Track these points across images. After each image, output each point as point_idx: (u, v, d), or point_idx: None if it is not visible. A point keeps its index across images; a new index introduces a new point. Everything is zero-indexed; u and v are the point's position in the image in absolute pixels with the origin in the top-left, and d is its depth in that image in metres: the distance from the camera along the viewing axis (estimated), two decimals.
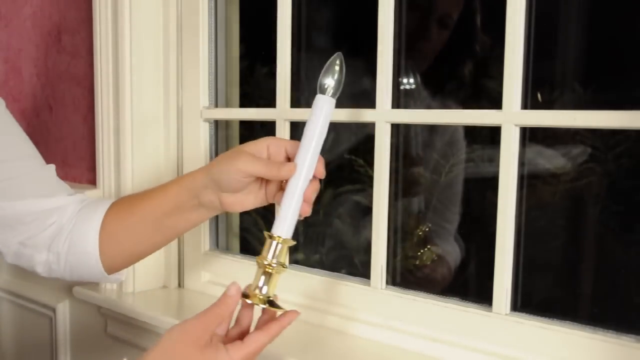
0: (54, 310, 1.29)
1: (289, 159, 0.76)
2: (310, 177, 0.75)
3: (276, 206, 0.80)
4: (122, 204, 0.87)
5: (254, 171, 0.75)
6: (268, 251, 0.75)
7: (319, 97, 0.74)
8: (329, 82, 0.73)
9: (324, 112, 0.74)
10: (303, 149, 0.74)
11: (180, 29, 1.15)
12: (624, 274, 0.87)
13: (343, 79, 0.74)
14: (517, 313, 0.84)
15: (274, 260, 0.75)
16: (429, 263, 1.07)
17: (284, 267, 0.76)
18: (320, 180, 0.77)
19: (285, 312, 0.75)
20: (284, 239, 0.75)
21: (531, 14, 0.81)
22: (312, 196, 0.75)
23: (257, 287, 0.76)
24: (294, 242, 0.77)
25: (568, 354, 0.78)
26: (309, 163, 0.74)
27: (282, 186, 0.76)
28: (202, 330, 0.71)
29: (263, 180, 0.78)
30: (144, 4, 1.13)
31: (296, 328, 1.00)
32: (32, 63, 1.37)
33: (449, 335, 0.88)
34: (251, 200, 0.79)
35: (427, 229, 1.08)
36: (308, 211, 0.75)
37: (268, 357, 0.91)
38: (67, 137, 1.31)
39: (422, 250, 1.07)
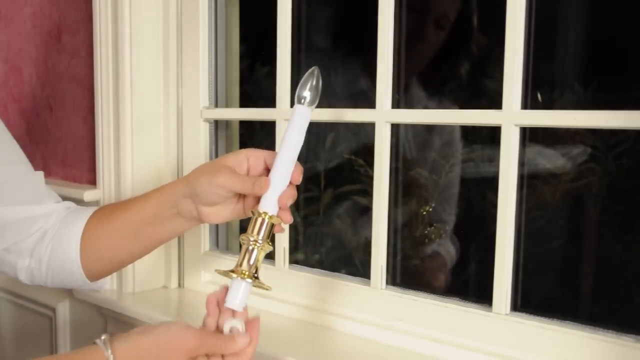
0: (54, 310, 1.29)
1: (268, 170, 0.77)
2: (286, 185, 0.75)
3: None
4: (104, 211, 0.87)
5: (232, 187, 0.76)
6: (253, 228, 0.75)
7: (296, 107, 0.76)
8: (306, 93, 0.76)
9: (300, 121, 0.76)
10: (279, 159, 0.76)
11: (180, 29, 1.15)
12: (624, 274, 0.87)
13: (320, 90, 0.76)
14: (517, 313, 0.84)
15: (260, 237, 0.75)
16: (438, 240, 1.07)
17: (269, 244, 0.76)
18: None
19: (251, 328, 0.75)
20: (270, 215, 0.75)
21: (531, 14, 0.81)
22: (288, 202, 0.75)
23: (241, 263, 0.76)
24: (280, 220, 0.77)
25: (568, 354, 0.78)
26: (284, 173, 0.75)
27: (259, 200, 0.77)
28: (198, 346, 0.71)
29: (241, 194, 0.79)
30: (144, 3, 1.13)
31: (296, 328, 1.00)
32: (32, 63, 1.37)
33: (449, 335, 0.88)
34: (229, 212, 0.80)
35: (430, 209, 1.08)
36: (288, 219, 0.76)
37: (268, 357, 0.91)
38: (67, 137, 1.30)
39: (429, 229, 1.08)
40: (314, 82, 0.76)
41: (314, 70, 0.76)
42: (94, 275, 0.88)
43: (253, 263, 0.75)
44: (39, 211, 0.87)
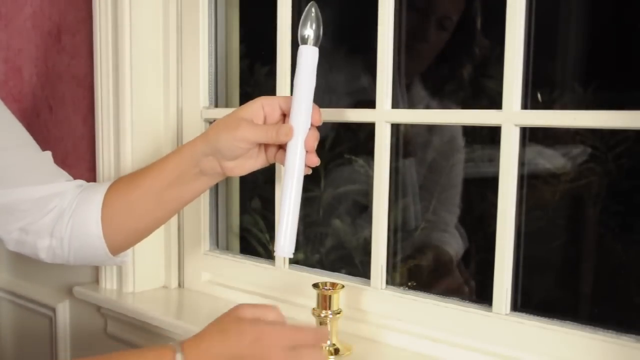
0: (54, 310, 1.29)
1: (284, 115, 0.77)
2: (308, 127, 0.75)
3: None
4: (122, 182, 0.87)
5: (255, 139, 0.76)
6: (320, 303, 0.87)
7: (302, 48, 0.75)
8: (309, 32, 0.74)
9: (309, 62, 0.75)
10: (296, 104, 0.75)
11: (180, 29, 1.15)
12: (624, 274, 0.87)
13: (322, 27, 0.74)
14: (517, 313, 0.84)
15: (329, 312, 0.86)
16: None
17: (338, 313, 0.87)
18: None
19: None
20: (333, 289, 0.86)
21: (531, 14, 0.81)
22: (314, 144, 0.75)
23: None
24: (343, 286, 0.87)
25: (568, 354, 0.78)
26: (304, 116, 0.75)
27: (282, 146, 0.77)
28: (254, 311, 0.70)
29: (262, 144, 0.79)
30: (144, 4, 1.13)
31: None
32: (32, 63, 1.37)
33: (449, 335, 0.88)
34: (252, 163, 0.80)
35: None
36: (315, 161, 0.76)
37: None
38: (67, 137, 1.30)
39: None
40: (315, 18, 0.74)
41: (312, 6, 0.74)
42: (118, 248, 0.88)
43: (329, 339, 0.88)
44: (51, 190, 0.87)
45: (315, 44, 0.75)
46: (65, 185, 0.88)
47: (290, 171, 0.75)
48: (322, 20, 0.74)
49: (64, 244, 0.86)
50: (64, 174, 0.91)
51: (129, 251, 0.92)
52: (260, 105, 0.78)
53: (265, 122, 0.79)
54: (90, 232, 0.85)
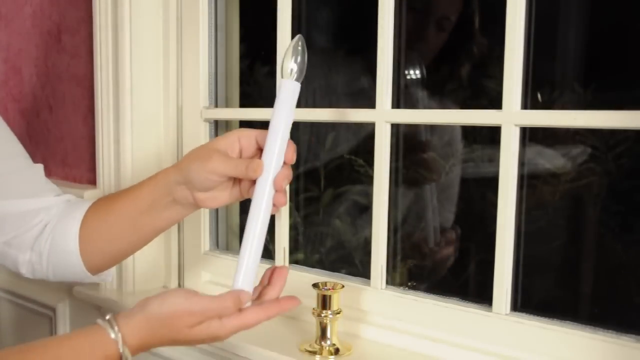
0: (54, 310, 1.29)
1: (261, 150, 0.74)
2: (280, 165, 0.73)
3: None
4: (101, 202, 0.86)
5: (224, 172, 0.74)
6: (320, 303, 0.89)
7: (283, 82, 0.72)
8: (292, 65, 0.71)
9: (289, 97, 0.72)
10: (270, 140, 0.72)
11: (180, 28, 1.15)
12: (624, 274, 0.87)
13: (306, 61, 0.72)
14: (517, 313, 0.84)
15: (329, 312, 0.88)
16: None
17: (338, 313, 0.89)
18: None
19: (287, 297, 0.73)
20: (333, 289, 0.88)
21: (531, 14, 0.81)
22: (284, 184, 0.73)
23: (318, 338, 0.90)
24: (343, 286, 0.89)
25: (568, 354, 0.78)
26: (277, 153, 0.72)
27: (255, 181, 0.74)
28: (205, 311, 0.70)
29: (237, 177, 0.76)
30: (144, 4, 1.13)
31: (294, 328, 1.00)
32: (32, 63, 1.37)
33: (449, 335, 0.88)
34: (225, 196, 0.78)
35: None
36: (283, 202, 0.73)
37: (270, 357, 0.91)
38: (67, 137, 1.30)
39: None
40: (301, 52, 0.71)
41: (298, 40, 0.71)
42: (95, 268, 0.87)
43: (329, 338, 0.90)
44: (39, 204, 0.86)
45: (297, 79, 0.72)
46: (53, 200, 0.87)
47: (255, 209, 0.72)
48: (307, 55, 0.71)
49: (42, 258, 0.85)
50: (54, 188, 0.90)
51: (110, 270, 0.91)
52: (236, 138, 0.76)
53: (240, 156, 0.76)
54: (68, 250, 0.84)
